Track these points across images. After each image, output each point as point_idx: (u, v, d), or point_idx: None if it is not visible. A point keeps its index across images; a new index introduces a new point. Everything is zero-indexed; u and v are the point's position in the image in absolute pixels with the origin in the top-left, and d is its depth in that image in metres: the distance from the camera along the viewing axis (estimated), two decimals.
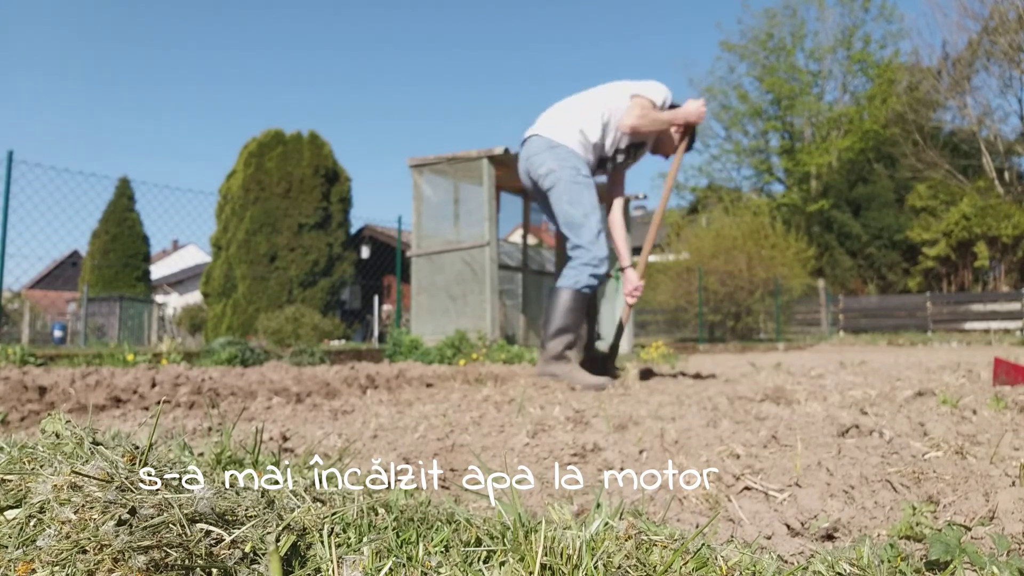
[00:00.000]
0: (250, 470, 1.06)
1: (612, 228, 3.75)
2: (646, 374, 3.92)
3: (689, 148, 3.72)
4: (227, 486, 0.76)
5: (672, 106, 3.64)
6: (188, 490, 0.69)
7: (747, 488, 1.13)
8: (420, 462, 1.38)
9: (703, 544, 0.73)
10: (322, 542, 0.67)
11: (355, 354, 6.82)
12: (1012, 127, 23.06)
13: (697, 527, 0.95)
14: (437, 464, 1.35)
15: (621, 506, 0.88)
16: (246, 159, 18.34)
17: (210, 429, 1.76)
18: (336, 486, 0.93)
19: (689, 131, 3.66)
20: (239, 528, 0.65)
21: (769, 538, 0.91)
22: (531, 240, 8.59)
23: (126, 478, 0.67)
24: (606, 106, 3.50)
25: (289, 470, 1.08)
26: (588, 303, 3.53)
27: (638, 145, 3.66)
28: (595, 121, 3.48)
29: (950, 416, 1.74)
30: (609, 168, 3.69)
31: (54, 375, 3.23)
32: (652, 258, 21.94)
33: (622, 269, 3.78)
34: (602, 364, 3.69)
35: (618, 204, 3.83)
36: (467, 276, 7.55)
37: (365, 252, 21.53)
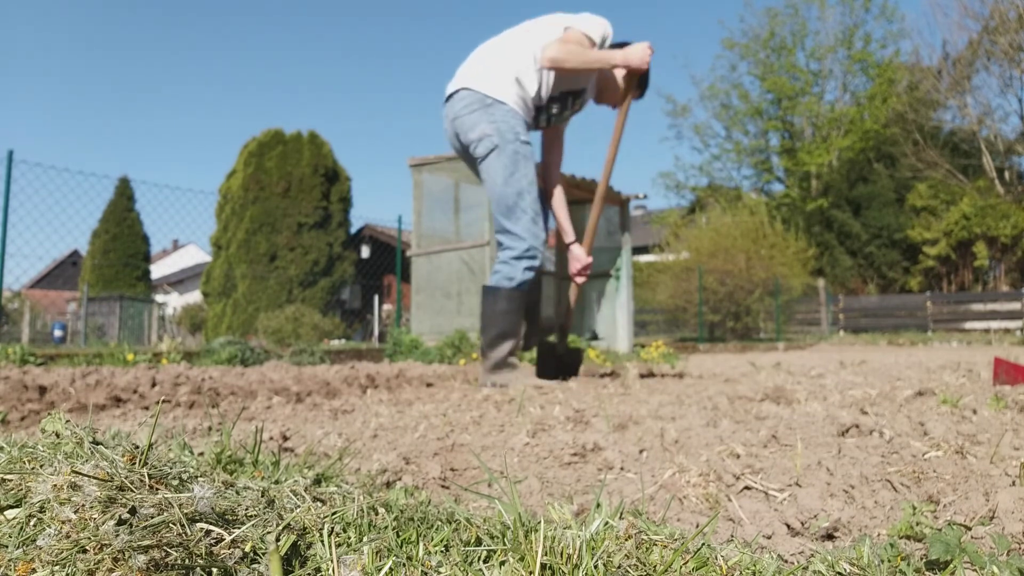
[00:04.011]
0: (250, 469, 1.06)
1: (552, 199, 3.31)
2: (646, 374, 3.92)
3: (639, 96, 3.20)
4: (227, 486, 0.76)
5: (617, 46, 3.09)
6: (188, 490, 0.69)
7: (747, 488, 1.13)
8: (420, 462, 1.38)
9: (703, 544, 0.73)
10: (322, 542, 0.67)
11: (355, 354, 6.82)
12: (1012, 127, 23.05)
13: (697, 527, 0.95)
14: (437, 464, 1.35)
15: (621, 506, 0.88)
16: (246, 159, 18.34)
17: (210, 429, 1.76)
18: (336, 486, 0.94)
19: (636, 77, 3.10)
20: (239, 528, 0.65)
21: (769, 538, 0.91)
22: None
23: (126, 478, 0.67)
24: (540, 47, 2.99)
25: (289, 469, 1.08)
26: (532, 293, 3.22)
27: (576, 93, 3.15)
28: (530, 67, 3.00)
29: (950, 416, 1.74)
30: (543, 123, 3.20)
31: (54, 375, 3.23)
32: (651, 258, 21.94)
33: (567, 245, 3.36)
34: (558, 356, 3.38)
35: (556, 169, 3.34)
36: (467, 275, 7.55)
37: (365, 252, 21.53)
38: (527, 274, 3.06)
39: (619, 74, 3.19)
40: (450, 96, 3.12)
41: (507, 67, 3.01)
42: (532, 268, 3.07)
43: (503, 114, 2.97)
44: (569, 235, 3.36)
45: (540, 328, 3.44)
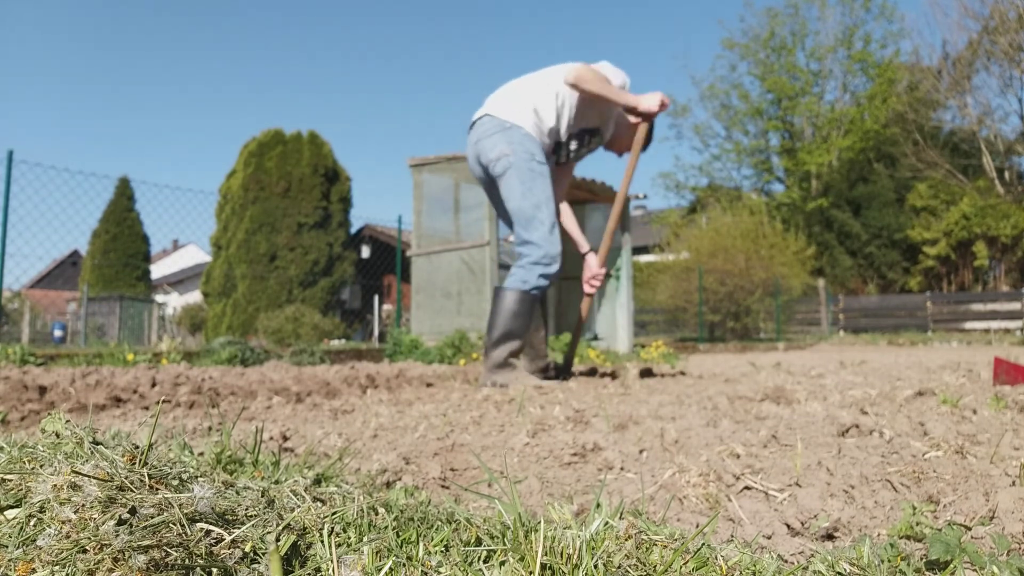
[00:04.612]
0: (250, 469, 1.06)
1: (562, 218, 3.51)
2: (646, 374, 3.92)
3: (645, 147, 3.40)
4: (227, 486, 0.76)
5: None
6: (188, 490, 0.69)
7: (747, 488, 1.13)
8: (420, 462, 1.38)
9: (703, 544, 0.73)
10: (322, 542, 0.67)
11: (355, 354, 6.82)
12: (1012, 127, 23.05)
13: (697, 527, 0.95)
14: (437, 464, 1.35)
15: (621, 506, 0.88)
16: (246, 159, 18.33)
17: (210, 429, 1.76)
18: (336, 486, 0.94)
19: (646, 125, 3.32)
20: (239, 528, 0.65)
21: (769, 538, 0.91)
22: None
23: (126, 478, 0.67)
24: (562, 85, 3.20)
25: (289, 469, 1.08)
26: (536, 306, 3.27)
27: (592, 131, 3.37)
28: (550, 102, 3.20)
29: (950, 416, 1.74)
30: (563, 158, 3.41)
31: (54, 375, 3.23)
32: (651, 258, 21.95)
33: (583, 255, 3.53)
34: (555, 375, 3.46)
35: (560, 193, 3.52)
36: (467, 276, 7.55)
37: (365, 252, 21.53)
38: (541, 280, 3.16)
39: (633, 121, 3.40)
40: (474, 123, 3.34)
41: (526, 98, 3.23)
42: (547, 275, 3.16)
43: (520, 137, 3.17)
44: (583, 246, 3.55)
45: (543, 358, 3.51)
